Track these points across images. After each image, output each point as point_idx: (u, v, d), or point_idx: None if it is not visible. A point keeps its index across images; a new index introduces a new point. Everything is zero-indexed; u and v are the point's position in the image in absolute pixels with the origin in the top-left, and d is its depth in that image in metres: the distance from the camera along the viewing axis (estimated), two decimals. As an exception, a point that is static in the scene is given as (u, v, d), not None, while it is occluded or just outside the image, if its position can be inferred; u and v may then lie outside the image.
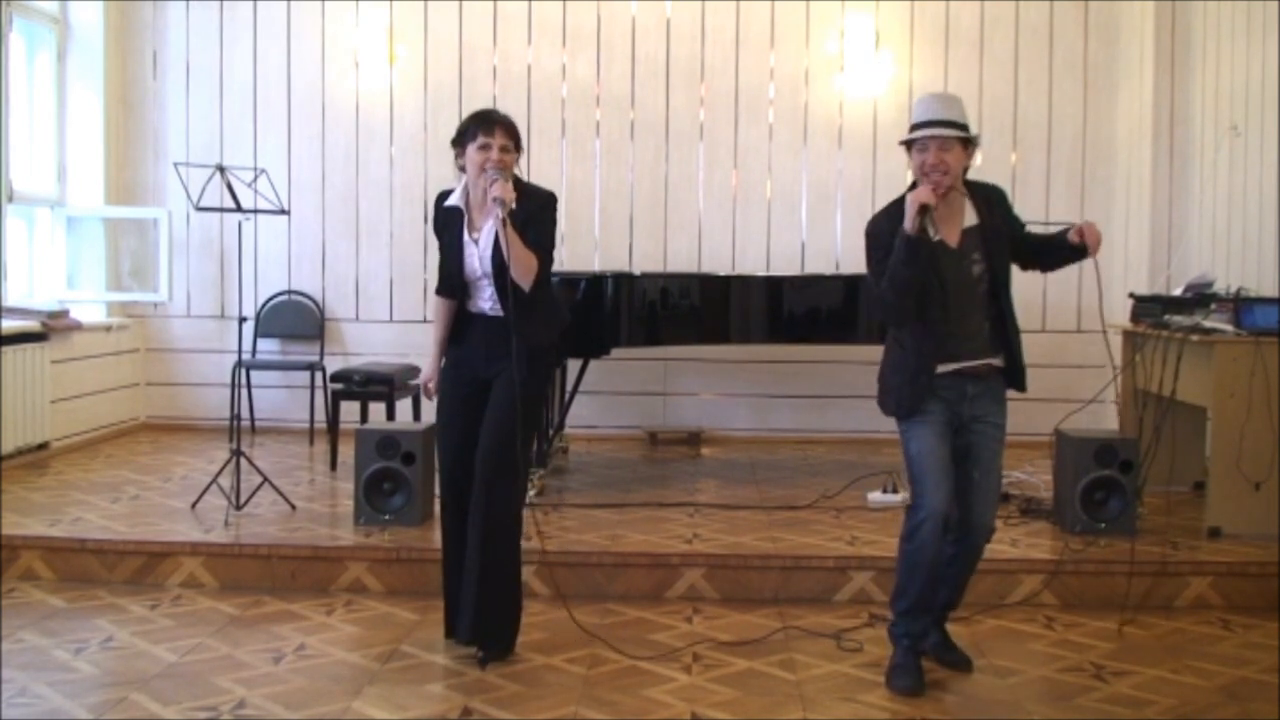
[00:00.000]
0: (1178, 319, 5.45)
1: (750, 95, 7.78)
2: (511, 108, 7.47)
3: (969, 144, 3.82)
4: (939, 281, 3.77)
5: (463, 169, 4.05)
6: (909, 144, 3.83)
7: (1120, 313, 6.48)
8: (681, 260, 7.80)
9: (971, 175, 3.94)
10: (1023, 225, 4.00)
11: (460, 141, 4.02)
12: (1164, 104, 7.01)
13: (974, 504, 3.89)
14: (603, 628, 4.33)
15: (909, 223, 3.68)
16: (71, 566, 4.94)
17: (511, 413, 3.93)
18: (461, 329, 4.14)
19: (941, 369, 3.83)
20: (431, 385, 4.25)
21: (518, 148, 4.05)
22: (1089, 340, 7.50)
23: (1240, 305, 5.18)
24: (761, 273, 7.39)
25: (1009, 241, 3.91)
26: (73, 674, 3.87)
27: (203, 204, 5.58)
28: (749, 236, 7.83)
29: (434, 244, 4.22)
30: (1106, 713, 3.66)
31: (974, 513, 3.89)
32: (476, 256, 4.03)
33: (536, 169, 7.69)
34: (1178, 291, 5.80)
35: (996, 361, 3.89)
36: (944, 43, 7.74)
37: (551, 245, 4.09)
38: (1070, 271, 7.45)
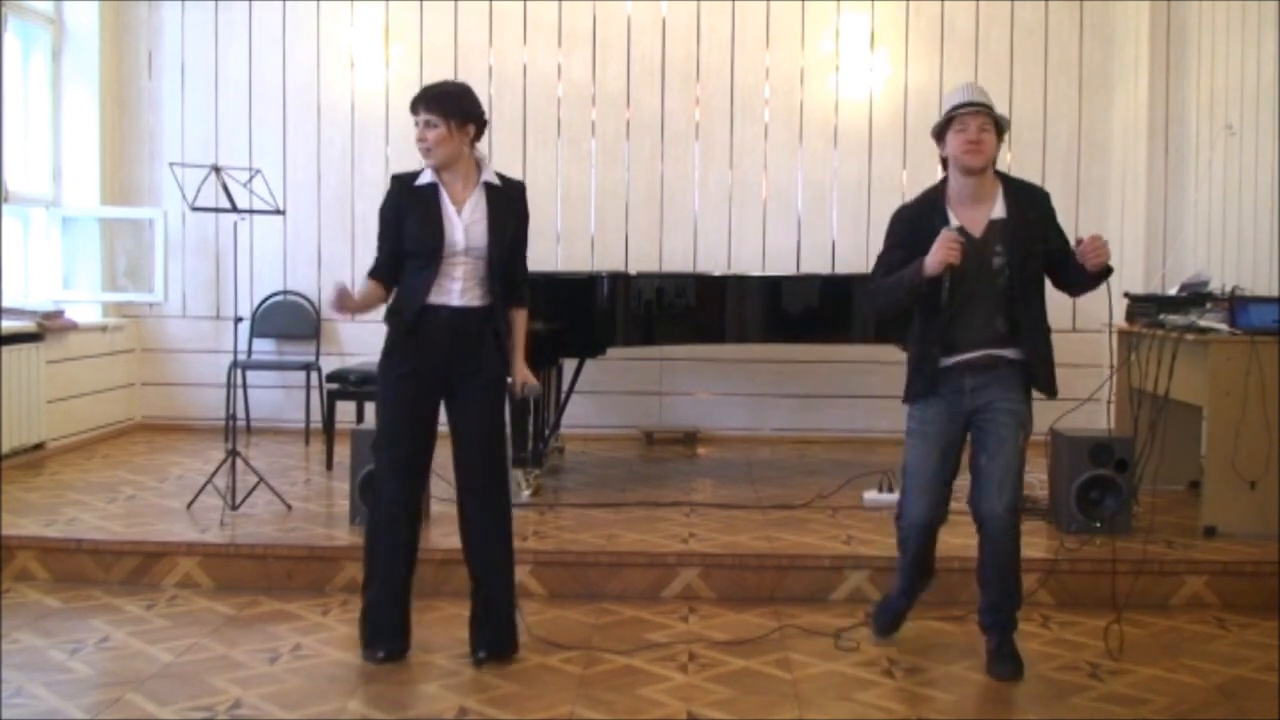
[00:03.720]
0: (1173, 318, 5.45)
1: (746, 95, 7.79)
2: (507, 108, 7.68)
3: (1000, 134, 3.81)
4: (949, 270, 3.71)
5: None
6: (944, 128, 3.80)
7: (1115, 312, 6.47)
8: (677, 260, 7.80)
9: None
10: (1066, 241, 3.90)
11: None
12: (1159, 103, 7.02)
13: (980, 492, 3.82)
14: (599, 627, 4.33)
15: (933, 266, 3.68)
16: (67, 567, 4.93)
17: (495, 425, 3.89)
18: (420, 325, 3.82)
19: (942, 363, 3.82)
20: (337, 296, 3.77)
21: (450, 114, 3.88)
22: (1085, 339, 7.50)
23: (1235, 304, 5.18)
24: (757, 272, 7.39)
25: (1043, 246, 3.83)
26: (69, 674, 3.87)
27: (198, 204, 5.57)
28: (745, 236, 7.83)
29: None
30: (1102, 712, 3.66)
31: (981, 502, 3.82)
32: (461, 229, 3.84)
33: (532, 169, 7.69)
34: (1173, 291, 5.81)
35: (1006, 353, 3.82)
36: (939, 42, 7.75)
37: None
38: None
